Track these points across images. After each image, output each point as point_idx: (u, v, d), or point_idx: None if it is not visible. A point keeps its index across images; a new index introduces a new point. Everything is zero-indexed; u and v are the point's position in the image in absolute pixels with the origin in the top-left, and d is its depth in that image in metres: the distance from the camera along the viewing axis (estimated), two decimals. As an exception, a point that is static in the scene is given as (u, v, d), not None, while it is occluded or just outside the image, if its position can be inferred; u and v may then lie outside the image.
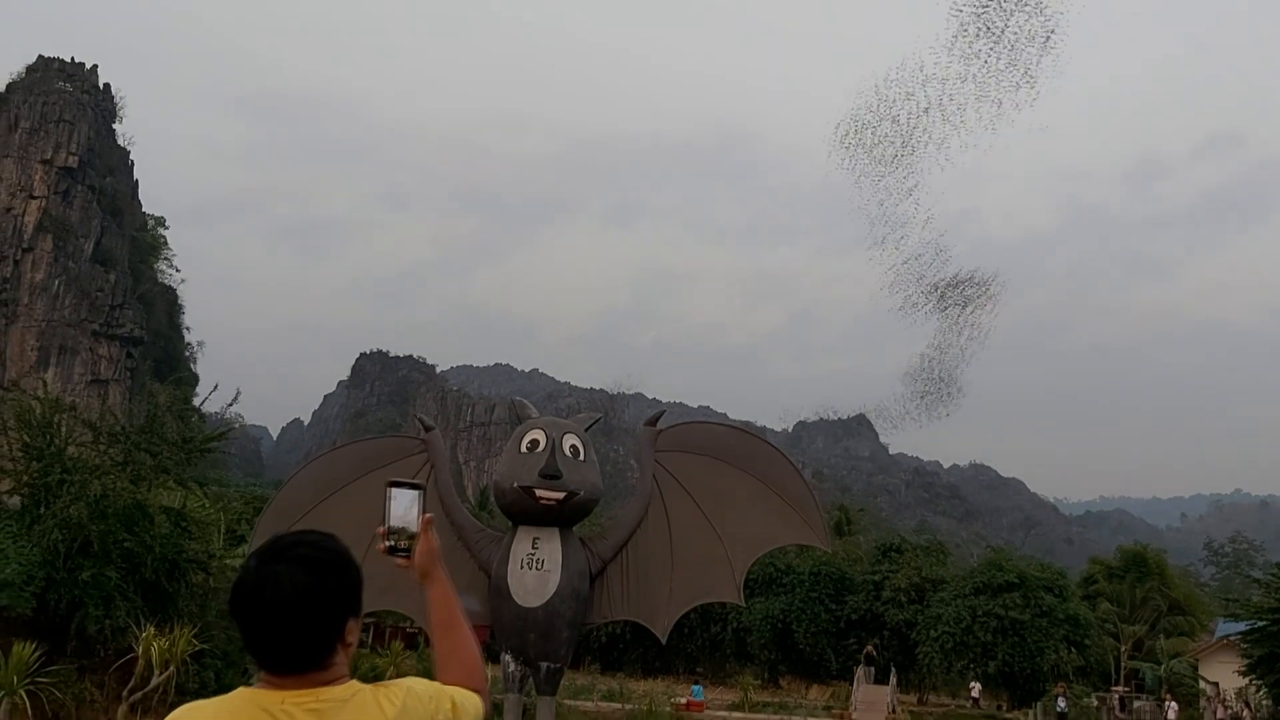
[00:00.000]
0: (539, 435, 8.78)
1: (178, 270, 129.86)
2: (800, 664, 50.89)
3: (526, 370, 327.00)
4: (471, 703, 2.45)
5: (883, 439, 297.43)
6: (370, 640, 43.67)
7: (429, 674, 2.54)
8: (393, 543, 2.72)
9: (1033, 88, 29.93)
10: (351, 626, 2.30)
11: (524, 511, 8.40)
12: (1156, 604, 51.12)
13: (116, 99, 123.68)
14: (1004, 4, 28.31)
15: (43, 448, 21.72)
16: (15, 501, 22.07)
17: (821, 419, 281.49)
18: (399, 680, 2.38)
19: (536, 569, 8.48)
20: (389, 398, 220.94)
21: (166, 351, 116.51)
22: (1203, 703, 38.23)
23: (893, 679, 42.15)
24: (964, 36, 28.90)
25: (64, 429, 22.82)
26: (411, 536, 2.73)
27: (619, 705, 35.14)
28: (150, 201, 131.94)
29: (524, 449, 8.78)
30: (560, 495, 8.51)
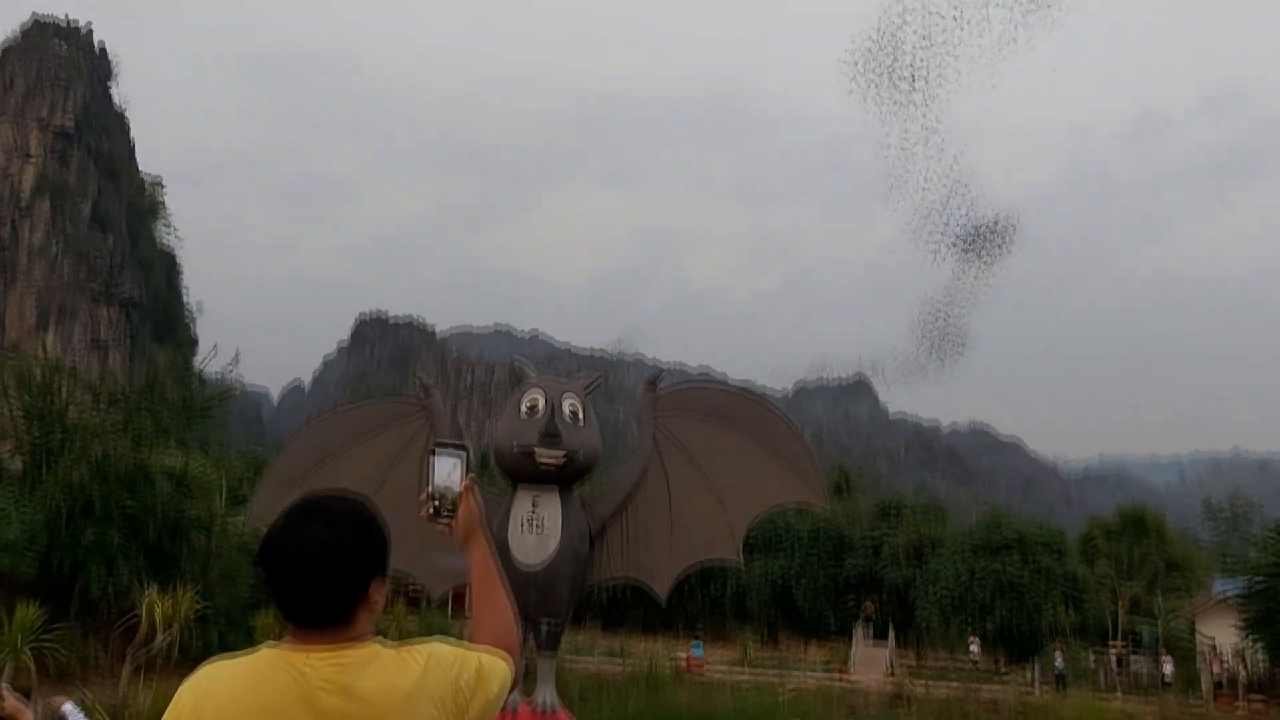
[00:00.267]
0: (538, 397, 8.76)
1: (175, 232, 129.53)
2: (799, 623, 51.29)
3: (526, 333, 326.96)
4: (499, 666, 2.46)
5: (882, 402, 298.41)
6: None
7: (429, 634, 2.54)
8: (435, 506, 2.74)
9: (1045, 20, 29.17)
10: (376, 588, 2.32)
11: (524, 473, 8.40)
12: (1154, 563, 51.37)
13: (112, 60, 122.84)
14: None
15: (43, 410, 21.79)
16: (17, 464, 22.16)
17: (821, 382, 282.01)
18: (423, 642, 2.39)
19: (536, 530, 8.50)
20: (389, 361, 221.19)
21: (166, 314, 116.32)
22: (1199, 660, 38.53)
23: (891, 638, 42.48)
24: None
25: (64, 392, 22.88)
26: (454, 499, 2.74)
27: (619, 663, 35.45)
28: (147, 163, 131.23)
29: (523, 411, 8.76)
30: (560, 457, 8.50)
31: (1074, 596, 42.93)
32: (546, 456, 8.41)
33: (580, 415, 8.81)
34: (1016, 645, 42.87)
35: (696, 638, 43.60)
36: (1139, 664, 38.60)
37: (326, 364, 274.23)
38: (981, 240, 35.98)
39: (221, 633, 23.90)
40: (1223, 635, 36.59)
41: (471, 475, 2.80)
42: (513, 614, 2.69)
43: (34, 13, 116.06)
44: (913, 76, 32.00)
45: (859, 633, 42.93)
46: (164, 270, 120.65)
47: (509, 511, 8.70)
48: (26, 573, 19.53)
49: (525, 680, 8.21)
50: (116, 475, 20.66)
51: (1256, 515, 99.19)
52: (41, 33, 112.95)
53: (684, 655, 38.20)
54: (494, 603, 2.64)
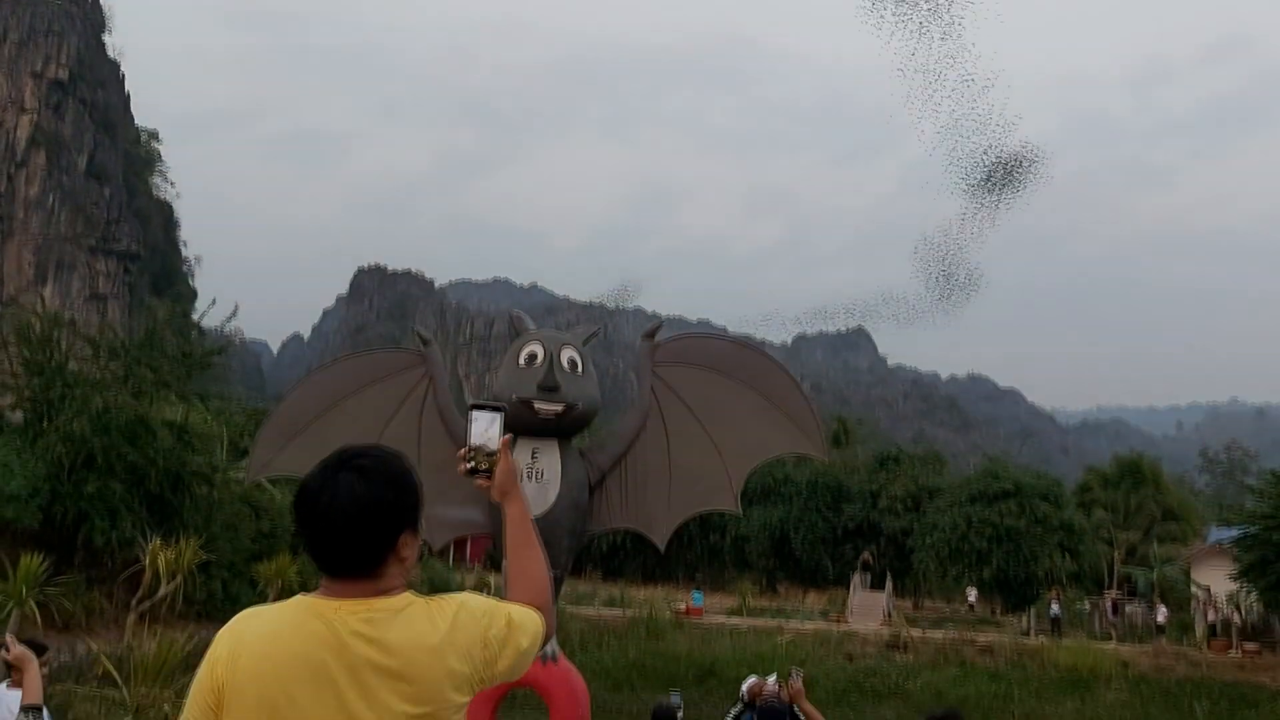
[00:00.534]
0: (537, 349, 8.75)
1: (173, 184, 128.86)
2: (797, 571, 51.72)
3: (525, 285, 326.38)
4: (530, 619, 2.50)
5: (881, 352, 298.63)
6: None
7: (431, 583, 2.58)
8: (473, 463, 2.76)
9: None
10: (406, 540, 2.35)
11: (523, 424, 8.43)
12: (1151, 511, 51.76)
13: (105, 10, 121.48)
14: None
15: (43, 363, 21.80)
16: (18, 416, 22.22)
17: (821, 332, 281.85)
18: (453, 594, 2.43)
19: (536, 480, 8.53)
20: (388, 313, 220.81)
21: (164, 266, 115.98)
22: (1194, 606, 38.92)
23: (888, 585, 42.89)
24: None
25: (64, 344, 22.87)
26: (491, 455, 2.76)
27: (620, 611, 35.82)
28: (142, 115, 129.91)
29: (522, 362, 8.76)
30: (559, 408, 8.51)
31: (1070, 545, 43.25)
32: (545, 407, 8.43)
33: (579, 366, 8.82)
34: (1013, 593, 43.29)
35: (696, 586, 44.03)
36: (1134, 611, 38.97)
37: (325, 315, 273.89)
38: (1002, 172, 35.33)
39: (224, 582, 24.12)
40: (1217, 582, 36.93)
41: (508, 434, 2.83)
42: (547, 570, 2.73)
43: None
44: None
45: (857, 580, 43.34)
46: (161, 223, 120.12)
47: (508, 462, 8.74)
48: (30, 524, 19.65)
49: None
50: (117, 427, 20.72)
51: (1253, 464, 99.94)
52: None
53: (684, 603, 38.59)
54: (529, 559, 2.68)
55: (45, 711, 5.03)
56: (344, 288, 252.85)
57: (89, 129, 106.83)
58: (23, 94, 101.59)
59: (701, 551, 52.68)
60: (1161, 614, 36.88)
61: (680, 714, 8.53)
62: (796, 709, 7.96)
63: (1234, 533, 34.49)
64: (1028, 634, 35.72)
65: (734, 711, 8.41)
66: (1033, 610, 39.27)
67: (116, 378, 22.43)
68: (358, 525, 2.27)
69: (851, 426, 71.78)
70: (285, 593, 23.61)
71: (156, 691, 15.29)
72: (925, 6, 32.33)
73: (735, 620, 36.47)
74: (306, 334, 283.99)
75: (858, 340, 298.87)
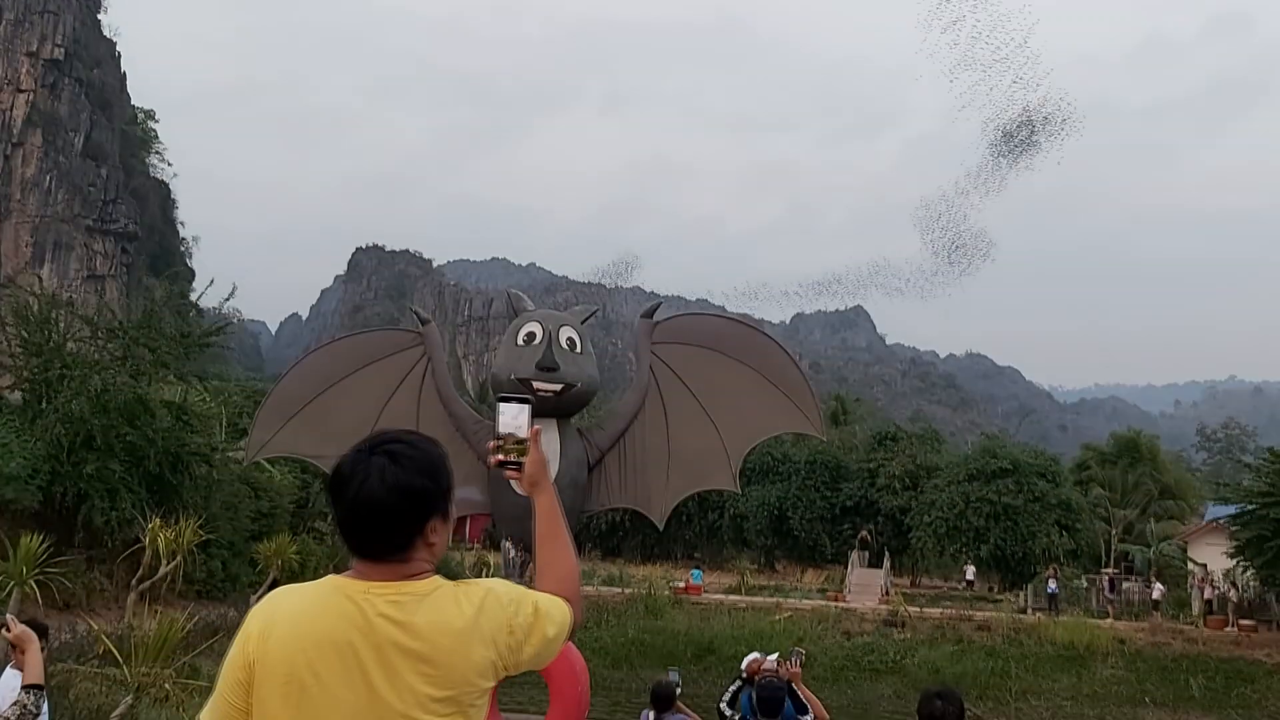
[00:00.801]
0: (535, 328, 8.74)
1: (169, 164, 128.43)
2: (796, 549, 51.85)
3: (524, 264, 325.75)
4: (558, 608, 2.52)
5: (879, 330, 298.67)
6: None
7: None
8: (503, 454, 2.78)
9: None
10: (435, 526, 2.38)
11: (521, 403, 8.42)
12: (1148, 489, 51.83)
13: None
14: None
15: (41, 343, 21.77)
16: (16, 397, 22.22)
17: (819, 310, 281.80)
18: (481, 580, 2.46)
19: (534, 459, 8.51)
20: (386, 292, 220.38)
21: (162, 246, 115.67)
22: (1190, 583, 39.07)
23: (886, 563, 43.01)
24: None
25: (62, 325, 22.85)
26: (521, 443, 2.78)
27: (619, 590, 35.95)
28: (139, 94, 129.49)
29: (520, 342, 8.75)
30: (557, 387, 8.51)
31: (1067, 522, 43.38)
32: (544, 386, 8.43)
33: (578, 345, 8.81)
34: (1010, 570, 43.44)
35: (695, 564, 44.15)
36: (1130, 588, 39.12)
37: (323, 295, 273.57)
38: (1027, 130, 35.27)
39: (224, 561, 24.20)
40: (1214, 560, 37.06)
41: (537, 425, 2.84)
42: (576, 561, 2.75)
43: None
44: None
45: (855, 558, 43.45)
46: (158, 202, 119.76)
47: (507, 442, 8.75)
48: (30, 504, 19.68)
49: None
50: (116, 407, 20.72)
51: (1250, 441, 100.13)
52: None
53: (682, 581, 38.72)
54: (559, 550, 2.71)
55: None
56: (342, 267, 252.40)
57: (85, 108, 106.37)
58: (19, 74, 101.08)
59: (700, 530, 52.81)
60: (1157, 590, 37.02)
61: (679, 691, 8.57)
62: (794, 687, 8.01)
63: (1231, 510, 34.58)
64: (1025, 611, 35.86)
65: (733, 688, 8.45)
66: (1030, 587, 39.41)
67: (115, 358, 22.42)
68: (387, 510, 2.31)
69: (850, 405, 71.92)
70: (284, 571, 23.75)
71: (157, 670, 15.35)
72: None
73: (734, 598, 36.61)
74: (304, 314, 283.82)
75: (856, 319, 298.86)
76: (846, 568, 43.35)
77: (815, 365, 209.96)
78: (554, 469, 9.10)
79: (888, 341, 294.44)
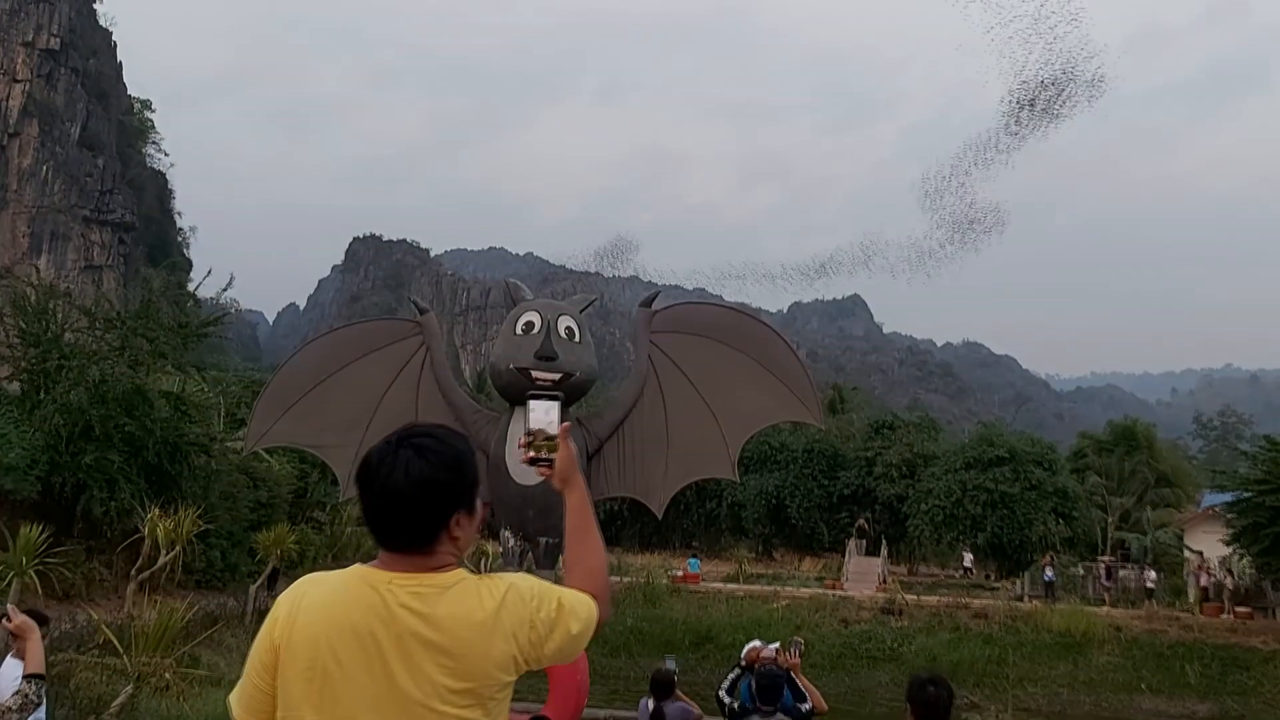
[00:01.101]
0: (534, 317, 8.75)
1: (166, 154, 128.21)
2: (793, 537, 51.96)
3: (521, 253, 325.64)
4: (583, 604, 2.54)
5: (876, 319, 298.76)
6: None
7: None
8: (534, 451, 2.81)
9: None
10: (460, 520, 2.41)
11: (520, 393, 8.44)
12: (1144, 477, 51.93)
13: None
14: None
15: (39, 334, 21.75)
16: (14, 387, 22.20)
17: (817, 299, 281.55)
18: (504, 574, 2.49)
19: (533, 448, 8.53)
20: (384, 282, 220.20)
21: (159, 237, 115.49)
22: (1187, 571, 39.17)
23: (884, 551, 43.09)
24: None
25: (60, 315, 22.82)
26: (551, 439, 2.80)
27: (617, 578, 35.99)
28: (135, 84, 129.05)
29: (519, 331, 8.77)
30: (556, 376, 8.53)
31: (1064, 510, 43.45)
32: (543, 375, 8.44)
33: (576, 334, 8.83)
34: (1007, 558, 43.52)
35: (693, 553, 44.22)
36: (1126, 575, 39.20)
37: (321, 285, 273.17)
38: (1053, 91, 35.18)
39: (223, 551, 24.22)
40: (1210, 547, 37.15)
41: (566, 421, 2.86)
42: (605, 558, 2.80)
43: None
44: None
45: (852, 546, 43.53)
46: (155, 193, 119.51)
47: (506, 431, 8.77)
48: (29, 494, 19.69)
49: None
50: (114, 398, 20.70)
51: (1246, 429, 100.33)
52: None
53: (680, 570, 38.79)
54: (588, 547, 2.75)
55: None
56: (339, 257, 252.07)
57: (82, 98, 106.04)
58: (14, 63, 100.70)
59: (698, 518, 52.92)
60: (1150, 578, 37.10)
61: (677, 679, 8.62)
62: (793, 676, 8.06)
63: (1227, 498, 34.64)
64: (1022, 598, 35.95)
65: (732, 676, 8.50)
66: (1026, 575, 39.50)
67: (113, 348, 22.39)
68: (412, 502, 2.34)
69: (847, 394, 72.06)
70: (283, 561, 23.80)
71: (157, 659, 15.41)
72: None
73: (732, 586, 36.68)
74: (302, 304, 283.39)
75: (853, 308, 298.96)
76: (844, 556, 43.45)
77: (812, 354, 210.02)
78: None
79: (885, 330, 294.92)
